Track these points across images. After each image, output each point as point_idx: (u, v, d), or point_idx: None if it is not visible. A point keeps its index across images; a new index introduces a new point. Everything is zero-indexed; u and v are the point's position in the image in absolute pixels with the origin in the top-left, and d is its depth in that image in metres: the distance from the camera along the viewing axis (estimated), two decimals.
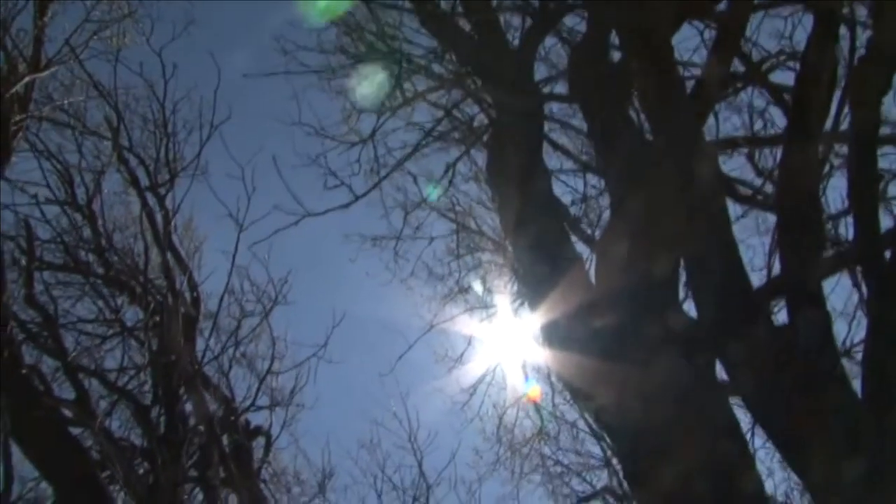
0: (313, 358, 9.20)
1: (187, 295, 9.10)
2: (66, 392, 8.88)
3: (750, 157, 8.30)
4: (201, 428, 8.03)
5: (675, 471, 4.58)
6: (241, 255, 8.92)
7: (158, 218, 9.17)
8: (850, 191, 4.84)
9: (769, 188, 8.00)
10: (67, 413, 8.29)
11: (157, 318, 8.52)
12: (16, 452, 7.33)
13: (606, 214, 8.63)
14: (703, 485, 4.48)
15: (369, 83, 8.26)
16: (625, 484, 10.37)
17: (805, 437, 4.35)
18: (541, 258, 6.08)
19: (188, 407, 8.74)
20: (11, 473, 6.90)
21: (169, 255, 8.91)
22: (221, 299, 8.81)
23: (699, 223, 5.09)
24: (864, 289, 7.38)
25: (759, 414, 4.87)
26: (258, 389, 8.86)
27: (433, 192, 9.17)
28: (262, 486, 8.86)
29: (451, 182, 9.00)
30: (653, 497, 4.77)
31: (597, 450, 10.59)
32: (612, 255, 5.71)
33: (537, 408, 10.68)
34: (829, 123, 5.66)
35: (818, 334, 4.29)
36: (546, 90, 8.13)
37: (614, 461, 10.30)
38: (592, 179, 9.53)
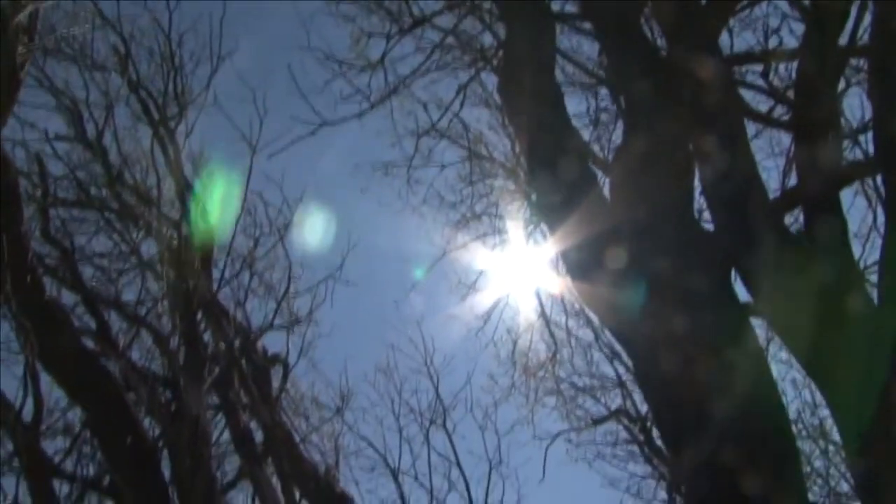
0: (329, 280, 9.32)
1: (201, 224, 9.15)
2: (86, 326, 9.03)
3: (765, 76, 8.20)
4: (221, 355, 8.16)
5: (693, 389, 4.60)
6: (255, 180, 9.04)
7: (170, 150, 9.17)
8: (869, 79, 4.72)
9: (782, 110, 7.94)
10: (89, 344, 8.42)
11: (173, 250, 8.58)
12: (44, 383, 7.52)
13: (618, 136, 8.60)
14: (720, 404, 4.51)
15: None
16: (638, 405, 10.55)
17: (824, 348, 4.37)
18: (556, 181, 6.05)
19: (206, 337, 8.89)
20: (41, 399, 7.08)
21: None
22: (238, 220, 8.89)
23: (714, 135, 5.06)
24: (878, 208, 7.40)
25: (779, 326, 4.91)
26: (276, 310, 8.98)
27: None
28: (281, 414, 9.02)
29: (462, 105, 8.93)
30: (670, 413, 4.80)
31: (610, 371, 10.73)
32: (626, 176, 5.69)
33: (551, 331, 10.78)
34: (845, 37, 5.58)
35: (835, 240, 4.29)
36: (557, 9, 8.01)
37: (628, 382, 10.45)
38: (605, 101, 9.47)
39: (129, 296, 9.81)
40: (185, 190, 8.74)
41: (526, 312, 11.57)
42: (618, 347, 10.34)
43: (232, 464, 9.39)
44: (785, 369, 9.93)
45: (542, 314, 11.15)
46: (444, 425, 8.89)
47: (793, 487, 4.10)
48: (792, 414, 9.82)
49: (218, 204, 9.30)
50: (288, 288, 9.23)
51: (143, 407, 7.91)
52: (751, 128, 8.20)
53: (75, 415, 8.39)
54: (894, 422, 3.64)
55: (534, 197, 10.20)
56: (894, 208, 4.00)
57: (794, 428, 4.55)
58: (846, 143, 7.64)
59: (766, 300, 4.87)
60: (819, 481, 9.87)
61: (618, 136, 9.10)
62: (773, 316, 4.98)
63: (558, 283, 10.88)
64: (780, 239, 4.64)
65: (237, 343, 8.49)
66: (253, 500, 9.10)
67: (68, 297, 9.15)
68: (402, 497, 8.27)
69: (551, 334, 11.03)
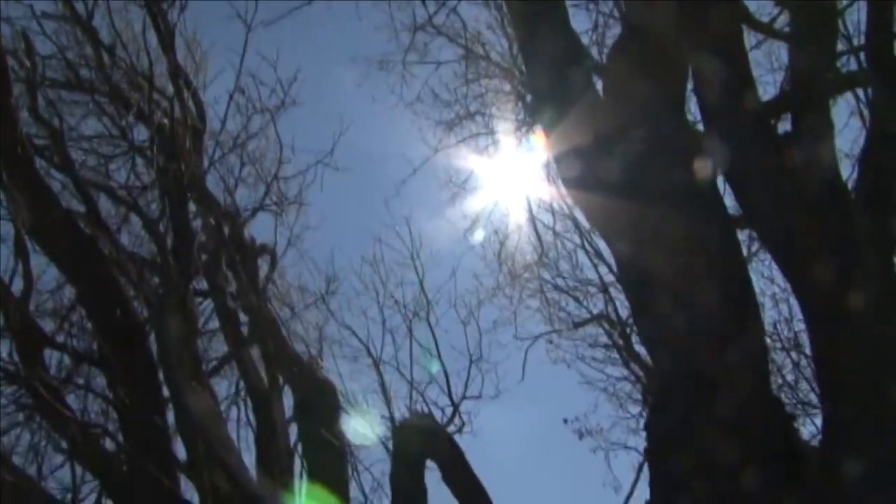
0: (320, 164, 9.33)
1: (193, 108, 9.08)
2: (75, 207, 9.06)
3: None
4: (209, 239, 8.23)
5: (672, 288, 4.69)
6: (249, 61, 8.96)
7: (163, 31, 9.00)
8: None
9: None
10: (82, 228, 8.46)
11: (164, 133, 8.53)
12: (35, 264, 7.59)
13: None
14: (698, 302, 4.61)
15: None
16: (620, 309, 10.77)
17: (805, 250, 4.45)
18: (554, 82, 6.01)
19: (196, 223, 8.94)
20: (31, 274, 7.17)
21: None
22: (230, 101, 8.83)
23: (710, 36, 5.03)
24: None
25: (761, 229, 4.99)
26: (266, 192, 9.01)
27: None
28: (267, 304, 9.15)
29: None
30: (655, 327, 4.89)
31: (595, 276, 10.90)
32: (619, 77, 5.67)
33: (538, 234, 10.92)
34: None
35: (820, 141, 4.33)
36: None
37: (611, 287, 10.64)
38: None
39: (119, 180, 9.83)
40: (177, 72, 8.63)
41: (515, 214, 11.69)
42: (603, 252, 10.52)
43: (218, 350, 9.63)
44: (766, 283, 10.14)
45: (531, 216, 11.27)
46: (427, 319, 9.04)
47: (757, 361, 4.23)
48: (768, 326, 10.07)
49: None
50: (278, 170, 9.23)
51: (131, 289, 8.02)
52: (752, 39, 8.15)
53: (65, 296, 8.51)
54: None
55: (529, 98, 10.17)
56: (878, 113, 4.03)
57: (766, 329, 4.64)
58: (845, 57, 7.62)
59: (750, 205, 4.94)
60: (790, 392, 10.17)
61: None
62: (755, 219, 5.06)
63: (549, 187, 10.97)
64: (766, 142, 4.68)
65: (226, 228, 8.55)
66: (238, 384, 9.36)
67: (56, 182, 9.17)
68: (382, 386, 8.49)
69: (538, 237, 11.18)
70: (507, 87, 10.87)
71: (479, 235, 11.44)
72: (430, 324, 9.05)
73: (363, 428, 8.64)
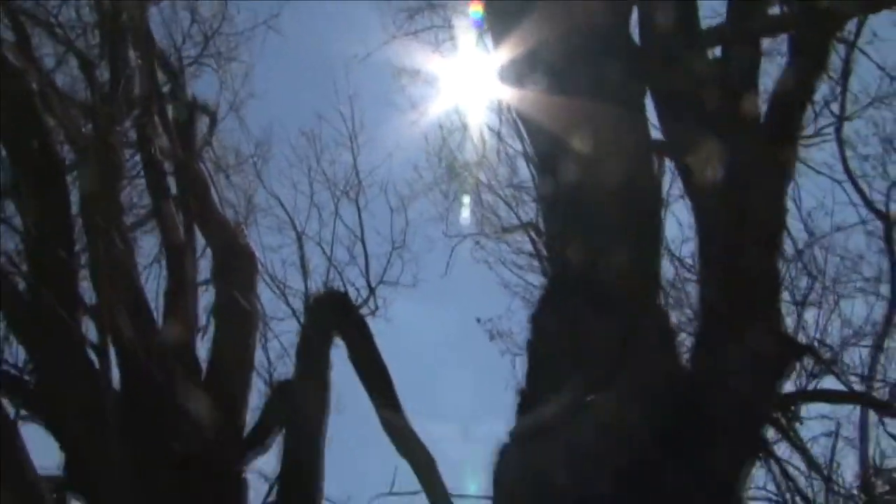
0: (265, 26, 9.12)
1: None
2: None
3: None
4: (145, 88, 8.05)
5: (583, 197, 4.78)
6: None
7: None
8: None
9: None
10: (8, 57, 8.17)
11: None
12: None
13: None
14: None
15: None
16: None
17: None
18: None
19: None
20: None
21: None
22: None
23: None
24: None
25: (673, 146, 5.09)
26: (204, 45, 8.81)
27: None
28: (198, 163, 9.05)
29: None
30: (559, 223, 5.01)
31: (530, 184, 10.97)
32: None
33: (482, 136, 10.91)
34: None
35: (746, 68, 4.40)
36: None
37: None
38: None
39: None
40: None
41: (462, 113, 11.64)
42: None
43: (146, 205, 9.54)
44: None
45: (476, 116, 11.24)
46: (356, 200, 9.07)
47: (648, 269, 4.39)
48: (686, 253, 10.34)
49: None
50: (220, 25, 8.99)
51: (60, 130, 7.84)
52: None
53: None
54: None
55: None
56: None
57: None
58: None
59: (672, 132, 5.04)
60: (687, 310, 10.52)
61: None
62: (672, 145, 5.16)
63: (498, 89, 10.89)
64: (694, 66, 4.74)
65: (164, 80, 8.36)
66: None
67: None
68: (302, 260, 8.56)
69: (482, 138, 11.18)
70: None
71: (423, 128, 11.40)
72: (358, 205, 9.09)
73: (277, 298, 8.74)
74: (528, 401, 4.37)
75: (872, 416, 9.33)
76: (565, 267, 4.51)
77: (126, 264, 6.97)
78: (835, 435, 9.21)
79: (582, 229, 4.48)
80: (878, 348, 9.44)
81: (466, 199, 11.45)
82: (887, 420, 9.33)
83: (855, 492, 8.90)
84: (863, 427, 9.08)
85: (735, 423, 4.13)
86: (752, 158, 4.06)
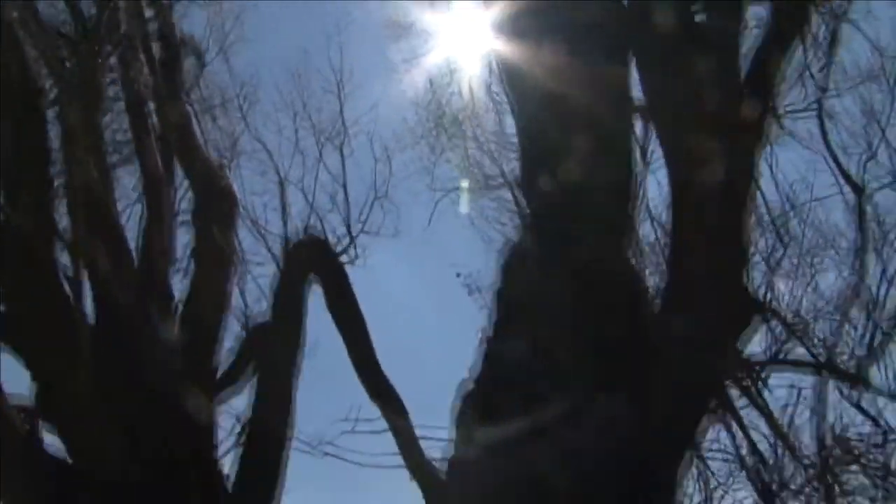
0: None
1: None
2: None
3: None
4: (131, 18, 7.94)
5: (559, 140, 4.80)
6: None
7: None
8: None
9: None
10: None
11: None
12: None
13: None
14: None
15: None
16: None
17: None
18: None
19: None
20: None
21: None
22: None
23: None
24: None
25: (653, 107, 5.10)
26: None
27: None
28: (183, 100, 8.97)
29: None
30: (533, 171, 5.02)
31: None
32: None
33: (472, 89, 10.85)
34: None
35: (729, 32, 4.40)
36: None
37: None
38: None
39: None
40: None
41: (456, 66, 11.56)
42: None
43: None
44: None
45: (469, 72, 11.17)
46: (340, 147, 9.06)
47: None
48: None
49: None
50: None
51: (41, 61, 7.74)
52: None
53: None
54: None
55: None
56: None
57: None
58: None
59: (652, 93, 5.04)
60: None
61: None
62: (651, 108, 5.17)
63: (489, 43, 10.82)
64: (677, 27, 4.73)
65: (151, 16, 8.26)
66: None
67: None
68: (283, 204, 8.58)
69: (472, 93, 11.12)
70: None
71: (413, 81, 11.33)
72: (342, 152, 9.09)
73: (257, 241, 8.75)
74: (491, 348, 4.44)
75: (836, 387, 9.52)
76: (537, 217, 4.54)
77: (104, 197, 6.95)
78: (795, 401, 9.37)
79: (556, 180, 4.51)
80: (843, 318, 9.57)
81: (452, 154, 11.45)
82: (852, 392, 9.51)
83: (811, 458, 9.09)
84: (820, 395, 9.26)
85: (694, 374, 4.21)
86: (726, 119, 4.07)
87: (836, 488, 9.10)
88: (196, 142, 8.53)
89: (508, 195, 11.29)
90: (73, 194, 6.19)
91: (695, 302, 4.21)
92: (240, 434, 9.96)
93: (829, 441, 9.03)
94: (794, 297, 10.36)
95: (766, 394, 9.74)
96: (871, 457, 8.98)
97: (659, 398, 4.32)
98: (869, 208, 9.68)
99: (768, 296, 9.94)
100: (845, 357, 9.60)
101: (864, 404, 9.28)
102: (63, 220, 6.70)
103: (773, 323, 10.00)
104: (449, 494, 4.38)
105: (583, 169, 4.61)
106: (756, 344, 10.37)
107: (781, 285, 10.60)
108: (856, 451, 8.94)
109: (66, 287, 6.23)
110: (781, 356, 9.63)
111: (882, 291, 9.85)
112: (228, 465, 7.36)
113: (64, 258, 6.89)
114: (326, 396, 9.86)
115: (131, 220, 8.72)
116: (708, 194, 4.16)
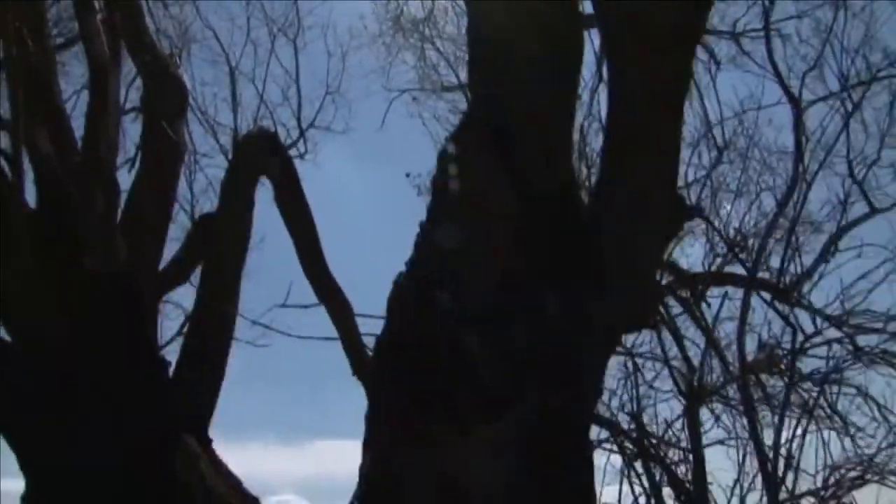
0: None
1: None
2: None
3: None
4: None
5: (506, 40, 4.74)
6: None
7: None
8: None
9: None
10: None
11: None
12: None
13: None
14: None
15: None
16: None
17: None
18: None
19: None
20: None
21: None
22: None
23: None
24: None
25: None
26: None
27: None
28: None
29: None
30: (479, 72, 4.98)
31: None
32: None
33: None
34: None
35: None
36: None
37: None
38: None
39: None
40: None
41: None
42: None
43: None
44: None
45: None
46: (294, 40, 8.90)
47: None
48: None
49: None
50: None
51: None
52: None
53: None
54: None
55: None
56: None
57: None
58: None
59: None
60: None
61: None
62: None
63: None
64: None
65: None
66: None
67: None
68: (233, 96, 8.47)
69: None
70: None
71: None
72: (296, 45, 8.95)
73: (206, 132, 8.66)
74: (425, 235, 4.53)
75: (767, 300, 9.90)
76: (477, 104, 4.58)
77: (46, 76, 6.77)
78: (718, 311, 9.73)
79: (500, 81, 4.52)
80: (770, 230, 9.89)
81: (409, 55, 11.34)
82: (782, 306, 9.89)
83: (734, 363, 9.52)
84: (744, 305, 9.65)
85: (624, 274, 4.34)
86: (663, 24, 4.07)
87: (758, 391, 9.57)
88: (145, 28, 8.30)
89: (463, 99, 11.30)
90: (12, 71, 6.00)
91: (624, 201, 4.30)
92: (183, 324, 10.06)
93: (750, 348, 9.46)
94: (736, 213, 10.66)
95: (703, 306, 10.10)
96: (785, 363, 9.44)
97: (591, 298, 4.45)
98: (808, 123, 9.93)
99: (710, 211, 10.21)
100: (778, 272, 9.96)
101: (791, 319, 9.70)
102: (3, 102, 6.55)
103: (716, 240, 10.31)
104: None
105: (528, 73, 4.62)
106: (697, 260, 10.72)
107: (727, 204, 10.88)
108: (774, 358, 9.39)
109: (6, 169, 6.11)
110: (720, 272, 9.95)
111: (816, 207, 10.18)
112: (172, 354, 7.47)
113: (4, 141, 6.78)
114: (275, 290, 9.99)
115: (77, 110, 8.61)
116: (639, 97, 4.21)
